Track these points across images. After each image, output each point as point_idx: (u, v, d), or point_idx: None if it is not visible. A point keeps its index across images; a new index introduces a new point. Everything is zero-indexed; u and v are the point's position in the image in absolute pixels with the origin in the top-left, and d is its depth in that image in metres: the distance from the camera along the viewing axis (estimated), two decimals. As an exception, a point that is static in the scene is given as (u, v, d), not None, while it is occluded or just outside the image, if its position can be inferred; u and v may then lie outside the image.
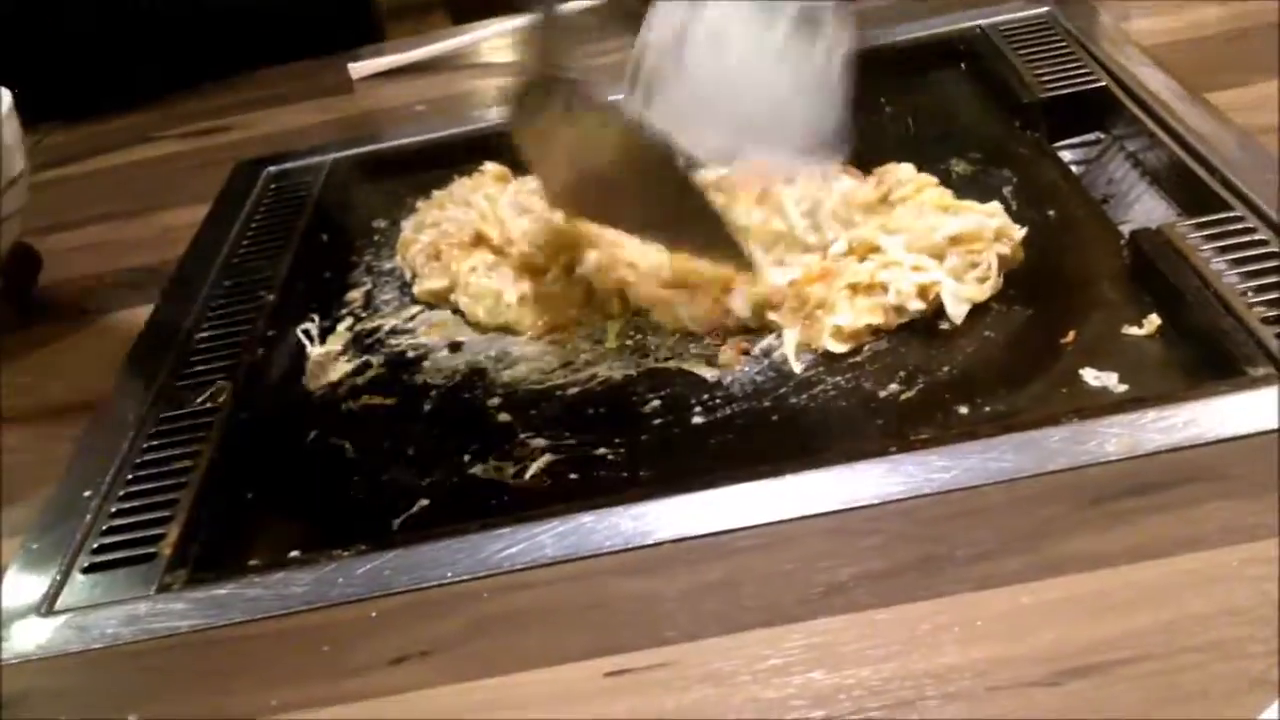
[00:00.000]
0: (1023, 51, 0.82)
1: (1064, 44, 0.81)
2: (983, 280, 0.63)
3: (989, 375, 0.58)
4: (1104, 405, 0.53)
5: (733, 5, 0.68)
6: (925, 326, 0.62)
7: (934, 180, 0.69)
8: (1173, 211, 0.66)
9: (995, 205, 0.66)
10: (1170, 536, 0.45)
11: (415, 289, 0.74)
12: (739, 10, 0.68)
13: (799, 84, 0.68)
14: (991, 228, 0.64)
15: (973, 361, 0.59)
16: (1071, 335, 0.59)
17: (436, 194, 0.80)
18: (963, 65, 0.87)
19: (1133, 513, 0.46)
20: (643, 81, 0.70)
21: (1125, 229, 0.65)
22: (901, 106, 0.83)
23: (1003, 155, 0.75)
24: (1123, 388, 0.55)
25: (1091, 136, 0.75)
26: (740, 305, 0.62)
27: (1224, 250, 0.58)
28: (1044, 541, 0.46)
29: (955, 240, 0.63)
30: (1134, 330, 0.58)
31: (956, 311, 0.61)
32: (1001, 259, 0.63)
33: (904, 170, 0.69)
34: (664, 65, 0.69)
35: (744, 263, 0.63)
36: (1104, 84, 0.76)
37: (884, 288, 0.61)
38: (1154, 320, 0.58)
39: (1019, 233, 0.64)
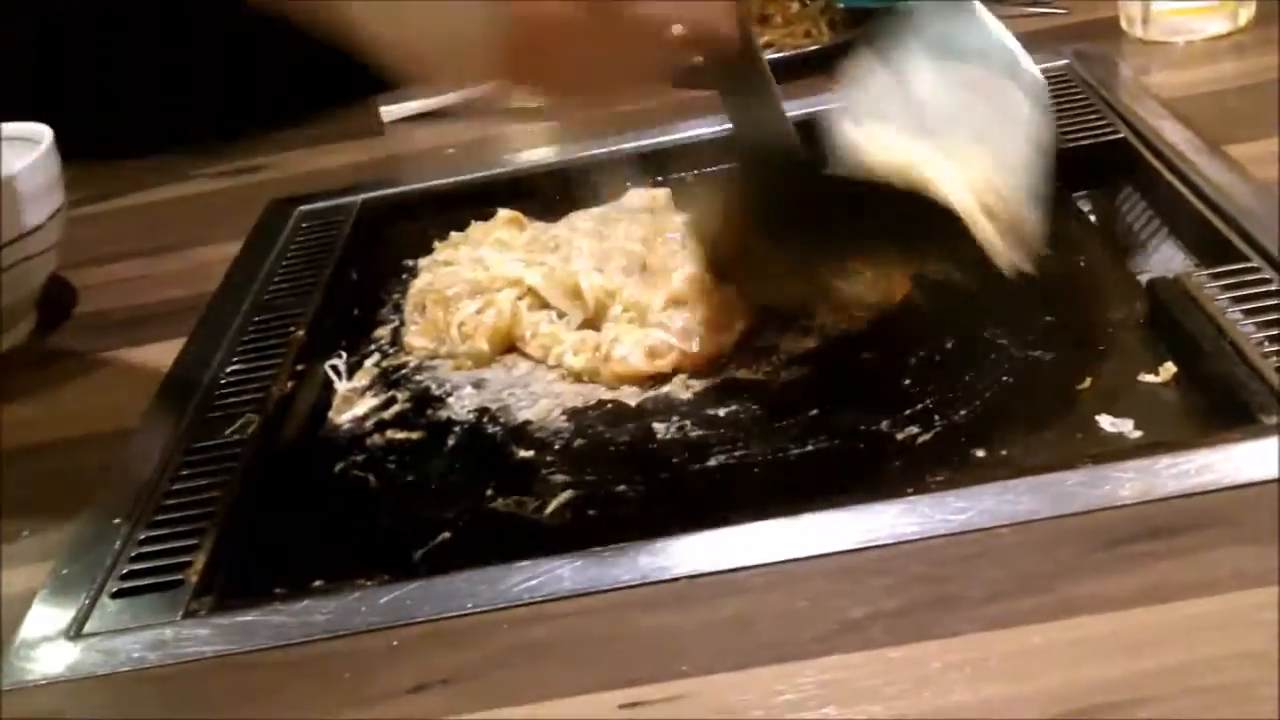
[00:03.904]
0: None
1: (1084, 96, 0.82)
2: None
3: (1006, 420, 0.59)
4: (1119, 450, 0.53)
5: (925, 66, 0.64)
6: (943, 370, 0.63)
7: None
8: (1190, 261, 0.67)
9: None
10: (1182, 580, 0.45)
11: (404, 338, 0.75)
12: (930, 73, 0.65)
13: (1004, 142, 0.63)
14: None
15: (990, 406, 0.60)
16: (1088, 382, 0.60)
17: (454, 235, 0.82)
18: (985, 115, 0.87)
19: (1146, 556, 0.46)
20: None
21: (1143, 278, 0.66)
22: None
23: (1023, 204, 0.76)
24: (1138, 434, 0.56)
25: (1111, 187, 0.76)
26: None
27: (1240, 300, 0.58)
28: (1057, 583, 0.46)
29: None
30: (1150, 378, 0.59)
31: None
32: None
33: None
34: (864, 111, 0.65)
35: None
36: (1123, 136, 0.77)
37: None
38: (1170, 368, 0.59)
39: None
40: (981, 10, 0.66)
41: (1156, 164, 0.73)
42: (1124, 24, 0.91)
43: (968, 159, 0.61)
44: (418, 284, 0.78)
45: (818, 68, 0.97)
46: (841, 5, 1.04)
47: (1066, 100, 0.82)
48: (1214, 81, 0.82)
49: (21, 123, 0.84)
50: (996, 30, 0.66)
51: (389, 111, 1.06)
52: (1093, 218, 0.74)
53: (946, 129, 0.62)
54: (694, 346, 0.66)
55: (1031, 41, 0.90)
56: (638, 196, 0.80)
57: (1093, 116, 0.80)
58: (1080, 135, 0.78)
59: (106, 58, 1.13)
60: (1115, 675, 0.42)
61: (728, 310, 0.68)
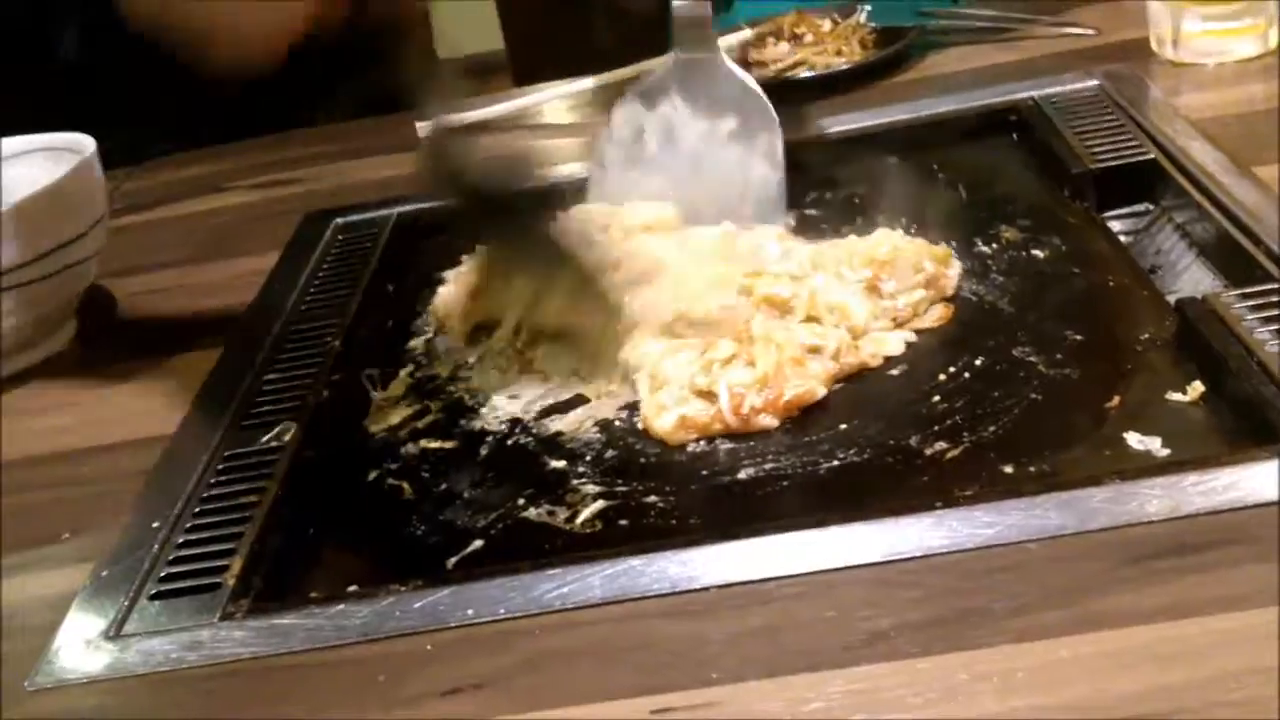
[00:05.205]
0: (1074, 123, 0.83)
1: (1114, 117, 0.83)
2: (908, 291, 0.69)
3: (1034, 437, 0.59)
4: (1146, 467, 0.54)
5: (681, 107, 0.82)
6: (972, 387, 0.63)
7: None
8: (1218, 281, 0.68)
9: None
10: (1207, 596, 0.45)
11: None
12: (687, 113, 0.81)
13: (743, 170, 0.80)
14: (910, 247, 0.71)
15: (1018, 423, 0.60)
16: (1117, 400, 0.60)
17: (480, 248, 0.83)
18: (1015, 136, 0.88)
19: (1171, 572, 0.47)
20: (606, 165, 0.84)
21: (1171, 298, 0.66)
22: (954, 174, 0.85)
23: (1052, 224, 0.77)
24: (1165, 452, 0.56)
25: (1140, 207, 0.77)
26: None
27: (1268, 320, 0.59)
28: (1083, 597, 0.47)
29: (871, 263, 0.70)
30: (1178, 396, 0.59)
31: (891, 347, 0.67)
32: (929, 280, 0.70)
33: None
34: (624, 154, 0.83)
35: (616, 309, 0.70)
36: (1153, 156, 0.77)
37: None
38: (1198, 387, 0.59)
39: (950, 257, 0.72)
40: (727, 60, 0.81)
41: (1186, 185, 0.73)
42: (1154, 45, 0.91)
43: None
44: (436, 300, 0.79)
45: (848, 87, 0.98)
46: (873, 25, 1.04)
47: (1097, 121, 0.83)
48: (1243, 103, 0.82)
49: (64, 133, 0.86)
50: (744, 77, 0.81)
51: (425, 126, 1.08)
52: (1123, 238, 0.75)
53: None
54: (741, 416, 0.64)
55: (1062, 63, 0.93)
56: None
57: (1123, 137, 0.80)
58: (1110, 156, 0.78)
59: (145, 68, 1.15)
60: (1140, 689, 0.42)
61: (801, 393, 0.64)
